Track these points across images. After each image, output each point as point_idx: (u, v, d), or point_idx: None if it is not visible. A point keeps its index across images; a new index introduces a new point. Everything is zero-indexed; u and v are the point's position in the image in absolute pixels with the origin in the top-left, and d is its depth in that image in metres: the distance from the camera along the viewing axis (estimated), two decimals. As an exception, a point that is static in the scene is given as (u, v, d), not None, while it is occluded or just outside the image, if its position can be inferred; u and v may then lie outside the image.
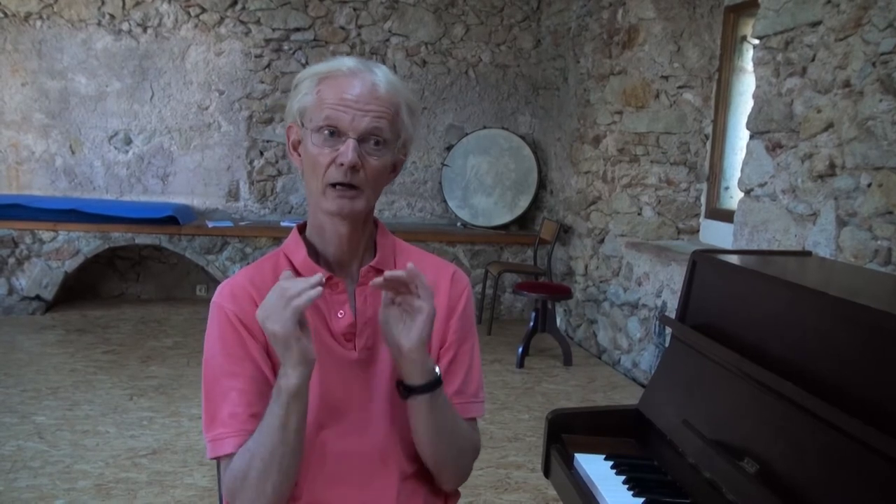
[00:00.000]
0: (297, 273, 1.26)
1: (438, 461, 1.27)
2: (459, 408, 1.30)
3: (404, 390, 1.20)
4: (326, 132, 1.17)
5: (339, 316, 1.25)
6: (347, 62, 1.20)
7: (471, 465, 1.35)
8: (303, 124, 1.20)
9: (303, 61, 5.85)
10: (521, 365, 4.57)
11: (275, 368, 1.20)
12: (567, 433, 1.58)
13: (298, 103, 1.20)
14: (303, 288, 1.07)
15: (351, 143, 1.16)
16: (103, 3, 5.60)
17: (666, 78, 4.49)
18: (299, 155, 1.24)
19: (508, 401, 3.96)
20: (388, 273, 1.15)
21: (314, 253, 1.28)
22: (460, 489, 1.41)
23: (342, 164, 1.16)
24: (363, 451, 1.25)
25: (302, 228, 1.32)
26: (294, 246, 1.29)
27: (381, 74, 1.20)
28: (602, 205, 4.91)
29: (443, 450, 1.26)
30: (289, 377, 1.09)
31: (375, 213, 1.33)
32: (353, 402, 1.25)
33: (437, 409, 1.21)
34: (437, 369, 1.21)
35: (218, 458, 1.22)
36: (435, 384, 1.19)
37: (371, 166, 1.19)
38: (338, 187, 1.18)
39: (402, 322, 1.17)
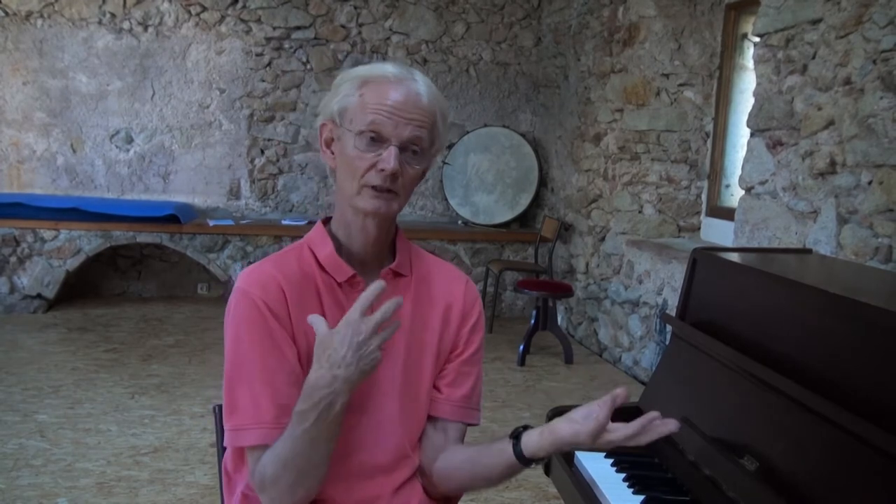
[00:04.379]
0: (321, 267, 1.26)
1: (458, 492, 1.35)
2: (464, 413, 1.34)
3: (520, 454, 1.21)
4: (368, 137, 1.17)
5: None
6: (390, 68, 1.21)
7: None
8: (341, 124, 1.21)
9: (303, 59, 5.85)
10: (522, 363, 4.58)
11: (301, 357, 1.20)
12: (568, 431, 1.58)
13: (339, 103, 1.20)
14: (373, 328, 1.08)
15: (393, 150, 1.17)
16: (104, 1, 5.60)
17: (667, 76, 4.49)
18: (332, 153, 1.25)
19: (509, 398, 3.96)
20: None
21: (338, 248, 1.28)
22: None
23: (383, 170, 1.17)
24: (373, 448, 1.26)
25: (326, 222, 1.32)
26: (320, 240, 1.28)
27: (422, 83, 1.21)
28: (603, 202, 4.91)
29: (473, 488, 1.35)
30: (340, 398, 1.10)
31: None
32: (365, 400, 1.25)
33: (514, 473, 1.26)
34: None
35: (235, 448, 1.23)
36: (531, 463, 1.22)
37: (408, 174, 1.20)
38: (375, 188, 1.19)
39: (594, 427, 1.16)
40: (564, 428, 1.16)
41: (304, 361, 1.21)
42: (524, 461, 1.20)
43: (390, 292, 1.28)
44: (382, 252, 1.30)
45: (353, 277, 1.26)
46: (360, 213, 1.22)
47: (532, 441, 1.20)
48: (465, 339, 1.34)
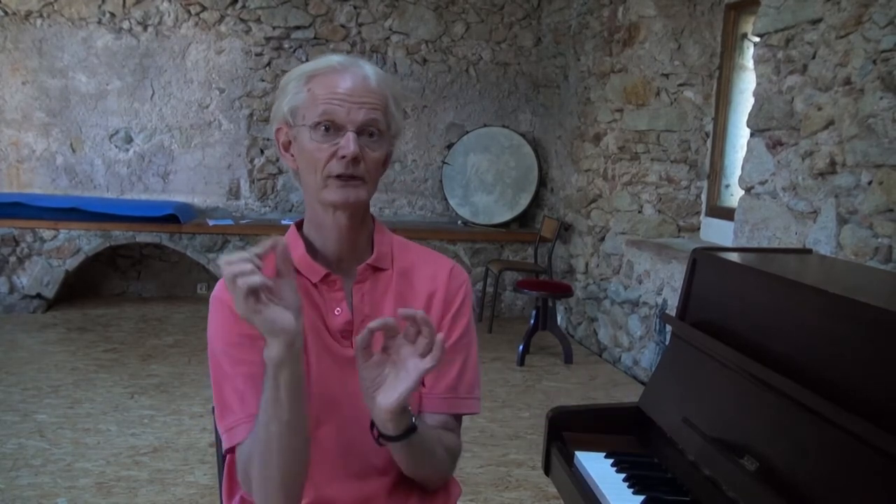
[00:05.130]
0: (295, 270, 1.26)
1: (415, 478, 1.27)
2: (450, 404, 1.29)
3: (379, 436, 1.16)
4: (324, 127, 1.17)
5: (336, 313, 1.25)
6: (334, 58, 1.21)
7: (450, 470, 1.33)
8: (294, 123, 1.21)
9: (303, 59, 5.84)
10: (521, 363, 4.58)
11: None
12: (567, 431, 1.58)
13: (289, 103, 1.21)
14: (241, 265, 1.02)
15: (351, 135, 1.17)
16: (104, 1, 5.60)
17: (666, 76, 4.49)
18: (292, 155, 1.24)
19: (509, 399, 3.96)
20: (402, 312, 1.09)
21: (312, 250, 1.28)
22: (461, 486, 1.41)
23: (343, 157, 1.16)
24: (361, 447, 1.25)
25: (300, 225, 1.32)
26: (292, 242, 1.28)
27: (368, 68, 1.22)
28: (603, 202, 4.91)
29: (419, 473, 1.26)
30: (269, 347, 1.06)
31: (376, 211, 1.33)
32: (351, 398, 1.25)
33: (414, 447, 1.18)
34: (412, 418, 1.16)
35: (234, 448, 1.21)
36: (411, 431, 1.15)
37: (370, 158, 1.20)
38: (340, 178, 1.18)
39: (382, 371, 1.11)
40: (393, 403, 1.10)
41: None
42: (399, 438, 1.14)
43: (369, 287, 1.28)
44: (359, 247, 1.29)
45: (327, 276, 1.25)
46: (329, 207, 1.22)
47: (387, 429, 1.14)
48: (448, 327, 1.30)
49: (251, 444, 1.14)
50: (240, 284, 1.01)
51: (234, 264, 1.02)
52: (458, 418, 1.32)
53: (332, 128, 1.18)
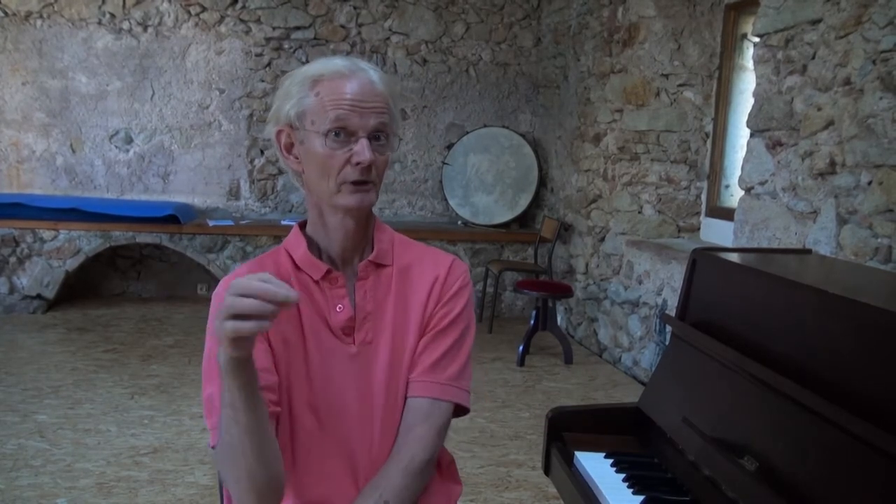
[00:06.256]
0: (297, 267, 1.27)
1: None
2: (423, 387, 1.27)
3: None
4: (334, 133, 1.18)
5: (338, 310, 1.26)
6: (337, 62, 1.21)
7: (422, 484, 1.27)
8: (301, 127, 1.21)
9: (303, 60, 5.85)
10: (521, 363, 4.58)
11: (274, 356, 1.22)
12: (567, 431, 1.58)
13: (295, 107, 1.20)
14: (255, 310, 0.96)
15: (364, 141, 1.18)
16: (104, 2, 5.60)
17: (666, 76, 4.49)
18: (295, 157, 1.24)
19: (509, 399, 3.96)
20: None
21: (315, 248, 1.28)
22: (462, 486, 1.41)
23: (359, 164, 1.17)
24: (361, 445, 1.25)
25: (303, 226, 1.33)
26: (295, 242, 1.30)
27: (372, 72, 1.22)
28: (603, 203, 4.91)
29: None
30: (221, 351, 1.02)
31: (375, 211, 1.34)
32: (352, 396, 1.25)
33: None
34: None
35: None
36: None
37: (380, 162, 1.21)
38: (354, 184, 1.19)
39: None
40: None
41: (279, 356, 1.22)
42: None
43: (372, 283, 1.29)
44: (361, 245, 1.30)
45: (328, 273, 1.26)
46: (339, 210, 1.22)
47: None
48: (440, 315, 1.29)
49: (220, 446, 1.14)
50: (234, 329, 0.97)
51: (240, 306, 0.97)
52: (440, 408, 1.27)
53: (343, 133, 1.18)
